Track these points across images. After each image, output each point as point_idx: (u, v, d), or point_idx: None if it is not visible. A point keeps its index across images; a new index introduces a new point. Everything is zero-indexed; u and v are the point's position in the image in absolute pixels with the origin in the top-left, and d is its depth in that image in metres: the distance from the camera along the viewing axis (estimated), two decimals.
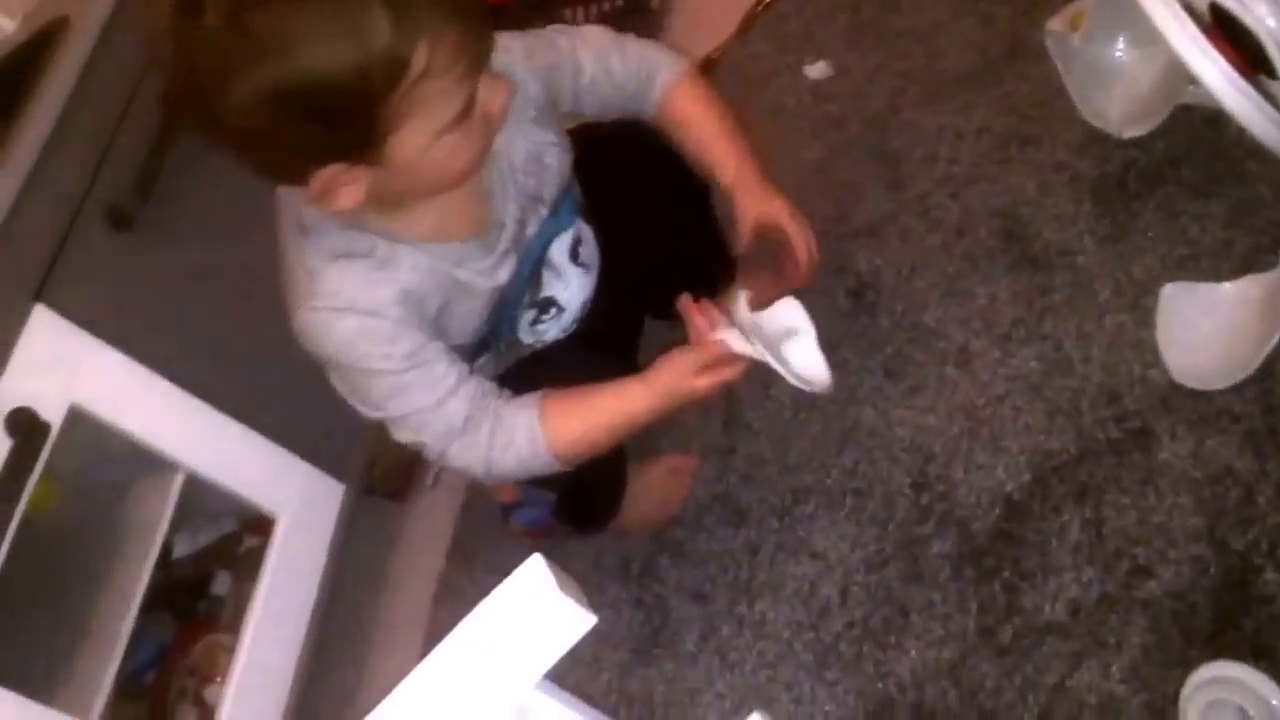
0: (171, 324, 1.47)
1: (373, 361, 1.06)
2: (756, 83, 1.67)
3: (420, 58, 0.91)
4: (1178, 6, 1.04)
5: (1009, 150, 1.33)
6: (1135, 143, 1.23)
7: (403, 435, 1.12)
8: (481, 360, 1.20)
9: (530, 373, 1.20)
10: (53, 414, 1.31)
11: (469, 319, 1.13)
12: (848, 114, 1.53)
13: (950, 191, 1.35)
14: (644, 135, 1.24)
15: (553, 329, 1.24)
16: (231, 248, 1.53)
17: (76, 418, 1.33)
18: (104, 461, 1.44)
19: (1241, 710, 0.89)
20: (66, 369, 1.35)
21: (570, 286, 1.23)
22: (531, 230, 1.16)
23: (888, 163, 1.44)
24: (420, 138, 0.97)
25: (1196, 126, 1.17)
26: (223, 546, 1.64)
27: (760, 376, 1.39)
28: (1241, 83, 1.02)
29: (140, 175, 1.47)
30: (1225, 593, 0.95)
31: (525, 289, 1.19)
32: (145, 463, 1.44)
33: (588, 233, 1.24)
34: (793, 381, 1.07)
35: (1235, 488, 0.99)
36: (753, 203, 1.17)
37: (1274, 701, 0.88)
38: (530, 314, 1.22)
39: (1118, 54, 1.26)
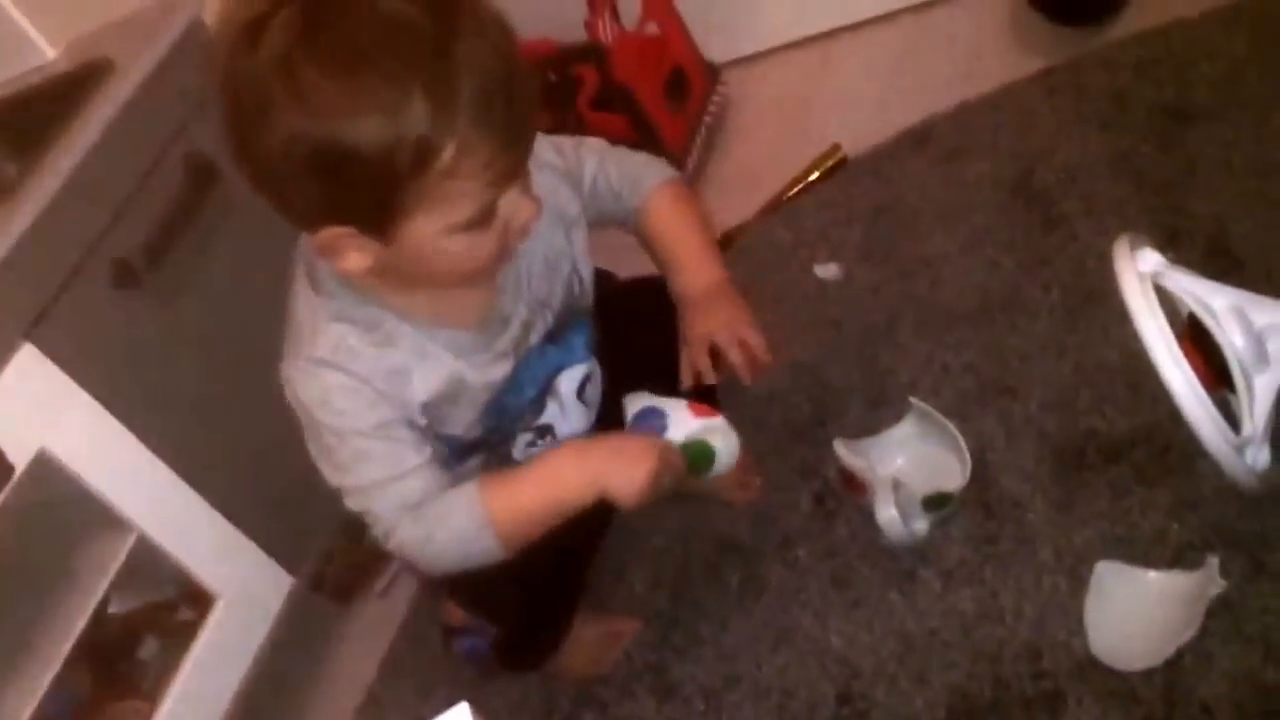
0: (155, 387, 1.56)
1: (345, 420, 1.15)
2: (768, 268, 1.83)
3: (447, 156, 0.99)
4: (1159, 309, 1.19)
5: (986, 395, 1.48)
6: (1102, 415, 1.37)
7: (355, 503, 1.20)
8: (472, 462, 1.29)
9: None
10: (19, 455, 1.39)
11: (461, 415, 1.23)
12: (847, 321, 1.68)
13: None
14: (665, 288, 1.35)
15: None
16: (230, 326, 1.65)
17: (42, 462, 1.42)
18: (59, 507, 1.50)
19: None
20: (42, 412, 1.43)
21: (570, 420, 1.33)
22: (535, 338, 1.26)
23: (874, 378, 1.59)
24: (432, 229, 1.05)
25: (1160, 415, 1.31)
26: (158, 612, 1.72)
27: (713, 558, 1.52)
28: (1201, 392, 1.16)
29: (155, 236, 1.56)
30: None
31: (528, 410, 1.29)
32: (99, 517, 1.52)
33: (598, 373, 1.36)
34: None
35: None
36: (699, 321, 1.29)
37: None
38: (528, 436, 1.32)
39: None
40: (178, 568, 1.61)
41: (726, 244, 1.90)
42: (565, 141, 1.30)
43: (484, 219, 1.06)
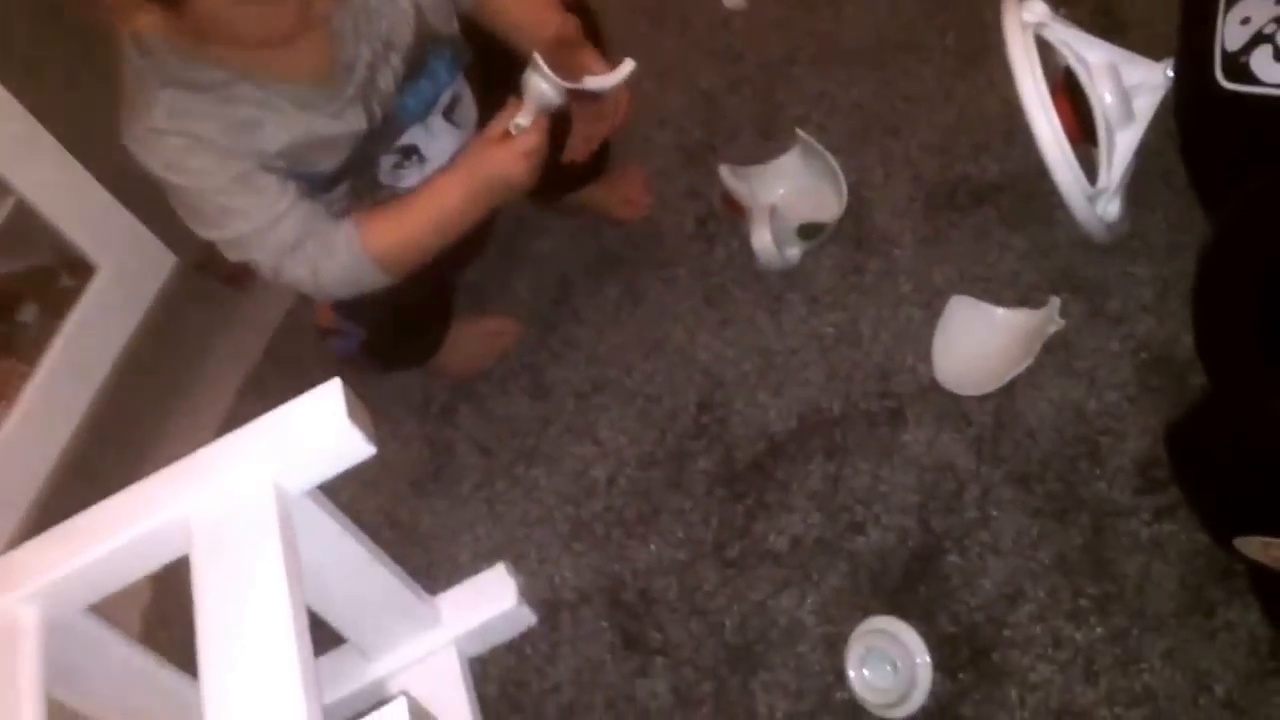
0: (40, 53, 1.56)
1: (200, 180, 1.16)
2: None
3: None
4: (1036, 57, 1.26)
5: (871, 133, 1.55)
6: (976, 161, 1.46)
7: (234, 255, 1.22)
8: (338, 190, 1.29)
9: None
10: None
11: (321, 157, 1.23)
12: (747, 53, 1.73)
13: None
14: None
15: (413, 176, 1.33)
16: None
17: None
18: None
19: (891, 661, 1.16)
20: None
21: (438, 141, 1.33)
22: (386, 82, 1.24)
23: (767, 109, 1.65)
24: (219, 3, 1.03)
25: (1030, 165, 1.40)
26: (36, 277, 1.76)
27: (596, 270, 1.61)
28: (1063, 138, 1.25)
29: None
30: (914, 562, 1.21)
31: (384, 137, 1.28)
32: None
33: (468, 93, 1.35)
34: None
35: (951, 480, 1.24)
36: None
37: (918, 659, 1.15)
38: (391, 159, 1.31)
39: None
40: (56, 235, 1.65)
41: None
42: None
43: None
